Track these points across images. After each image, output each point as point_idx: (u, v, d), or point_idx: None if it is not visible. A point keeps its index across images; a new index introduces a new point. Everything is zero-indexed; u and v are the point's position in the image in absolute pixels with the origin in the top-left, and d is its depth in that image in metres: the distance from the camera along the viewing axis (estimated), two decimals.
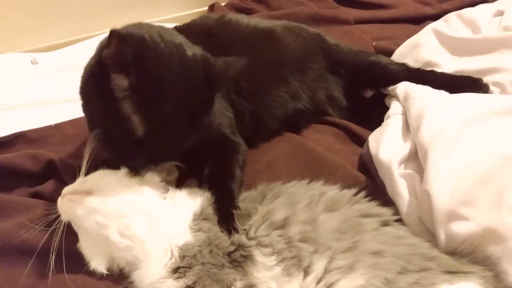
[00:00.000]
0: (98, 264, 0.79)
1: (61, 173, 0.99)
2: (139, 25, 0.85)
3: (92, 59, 0.84)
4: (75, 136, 1.15)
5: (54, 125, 1.23)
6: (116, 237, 0.77)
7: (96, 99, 0.81)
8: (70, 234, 0.82)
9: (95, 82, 0.80)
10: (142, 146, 0.80)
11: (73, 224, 0.82)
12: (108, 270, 0.79)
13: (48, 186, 0.99)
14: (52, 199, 0.91)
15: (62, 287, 0.80)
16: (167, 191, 0.85)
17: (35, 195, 0.99)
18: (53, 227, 0.80)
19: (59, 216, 0.81)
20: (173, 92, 0.78)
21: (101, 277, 0.80)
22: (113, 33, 0.71)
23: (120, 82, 0.75)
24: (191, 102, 0.81)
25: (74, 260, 0.81)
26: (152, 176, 0.87)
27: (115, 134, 0.81)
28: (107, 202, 0.79)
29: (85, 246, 0.81)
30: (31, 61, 1.60)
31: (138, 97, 0.76)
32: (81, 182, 0.85)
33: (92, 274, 0.80)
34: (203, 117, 0.86)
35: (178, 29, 1.13)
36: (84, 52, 0.89)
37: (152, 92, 0.77)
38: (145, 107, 0.77)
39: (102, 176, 0.85)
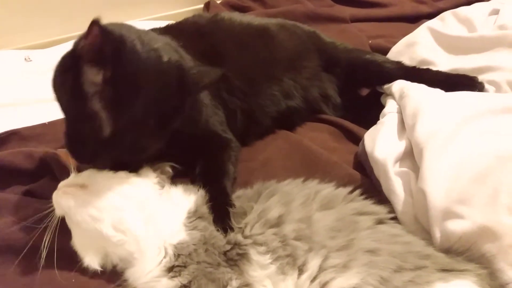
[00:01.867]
0: (91, 260, 0.78)
1: (55, 171, 0.98)
2: (120, 25, 0.84)
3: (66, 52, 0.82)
4: None
5: (48, 122, 1.23)
6: (109, 230, 0.76)
7: (64, 91, 0.78)
8: (63, 232, 0.81)
9: (66, 74, 0.77)
10: (106, 146, 0.77)
11: (67, 219, 0.81)
12: (101, 267, 0.78)
13: (41, 184, 0.98)
14: (45, 197, 0.90)
15: (55, 285, 0.79)
16: (162, 187, 0.85)
17: (29, 193, 0.98)
18: (45, 223, 0.80)
19: (52, 212, 0.81)
20: (145, 93, 0.77)
21: (94, 275, 0.80)
22: (95, 23, 0.68)
23: (93, 75, 0.73)
24: (161, 106, 0.80)
25: (67, 258, 0.80)
26: (147, 172, 0.86)
27: (80, 130, 0.78)
28: (101, 195, 0.78)
29: (79, 242, 0.80)
30: (25, 59, 1.59)
31: (110, 93, 0.74)
32: (76, 176, 0.84)
33: (85, 272, 0.80)
34: (171, 123, 0.84)
35: (169, 27, 1.13)
36: None
37: (124, 90, 0.75)
38: (116, 106, 0.75)
39: (97, 171, 0.84)
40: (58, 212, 0.80)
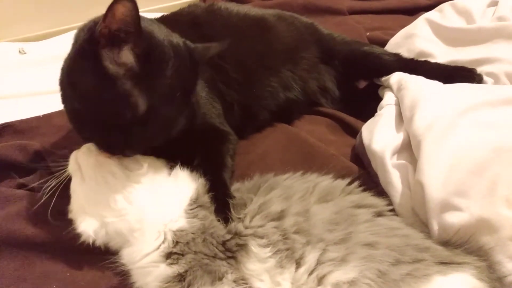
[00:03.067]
0: (87, 226, 0.77)
1: (49, 164, 0.97)
2: None
3: (72, 51, 0.79)
4: (64, 127, 1.12)
5: (43, 115, 1.21)
6: (117, 195, 0.76)
7: (85, 80, 0.75)
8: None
9: (84, 61, 0.75)
10: (141, 125, 0.76)
11: (73, 179, 0.80)
12: (93, 244, 0.77)
13: (35, 177, 0.97)
14: (39, 190, 0.89)
15: (50, 279, 0.79)
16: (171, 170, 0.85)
17: (22, 186, 0.97)
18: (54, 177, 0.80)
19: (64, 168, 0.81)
20: (169, 66, 0.77)
21: (89, 268, 0.79)
22: (119, 2, 0.68)
23: (121, 55, 0.72)
24: (182, 79, 0.80)
25: (61, 252, 0.79)
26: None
27: (110, 116, 0.75)
28: (119, 163, 0.80)
29: (78, 206, 0.79)
30: (19, 51, 1.57)
31: (139, 70, 0.73)
32: None
33: (79, 267, 0.79)
34: (191, 97, 0.85)
35: (164, 18, 1.11)
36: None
37: (153, 64, 0.75)
38: (146, 81, 0.74)
39: None
40: (72, 168, 0.80)
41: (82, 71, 0.76)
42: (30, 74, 1.44)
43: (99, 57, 0.73)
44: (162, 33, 0.80)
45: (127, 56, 0.73)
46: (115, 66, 0.73)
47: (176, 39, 0.83)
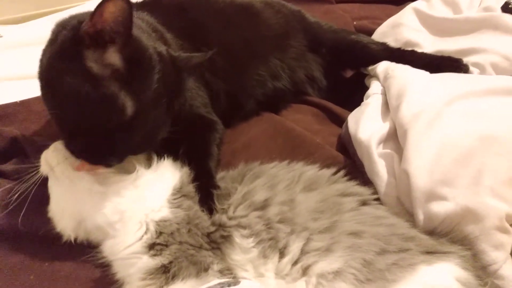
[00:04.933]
0: (65, 226, 0.75)
1: (26, 151, 0.94)
2: None
3: (52, 49, 0.74)
4: (42, 113, 1.09)
5: (20, 101, 1.17)
6: (92, 190, 0.74)
7: (67, 82, 0.69)
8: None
9: (66, 62, 0.70)
10: (126, 131, 0.72)
11: (50, 180, 0.78)
12: (75, 240, 0.76)
13: (11, 164, 0.94)
14: (16, 177, 0.86)
15: (27, 270, 0.76)
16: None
17: None
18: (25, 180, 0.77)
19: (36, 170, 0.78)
20: (155, 70, 0.74)
21: (69, 259, 0.77)
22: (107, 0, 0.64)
23: (107, 56, 0.69)
24: (167, 85, 0.77)
25: (40, 242, 0.77)
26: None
27: (93, 121, 0.70)
28: None
29: (56, 205, 0.77)
30: None
31: (126, 72, 0.70)
32: None
33: (58, 258, 0.77)
34: (175, 103, 0.82)
35: (147, 3, 1.07)
36: (50, 27, 0.83)
37: (140, 67, 0.72)
38: (134, 83, 0.71)
39: None
40: (44, 169, 0.77)
41: (64, 71, 0.70)
42: (7, 58, 1.39)
43: (82, 57, 0.69)
44: (148, 39, 0.78)
45: (113, 57, 0.69)
46: (100, 66, 0.69)
47: (160, 47, 0.80)
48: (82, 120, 0.70)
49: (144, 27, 0.84)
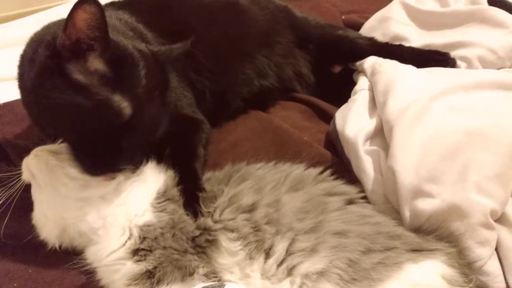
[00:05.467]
0: (49, 233, 0.75)
1: (10, 155, 0.93)
2: None
3: (31, 61, 0.72)
4: (26, 116, 1.07)
5: (3, 103, 1.15)
6: (73, 197, 0.73)
7: (59, 98, 0.67)
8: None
9: (50, 78, 0.68)
10: (129, 131, 0.71)
11: (33, 187, 0.77)
12: (60, 247, 0.75)
13: None
14: None
15: (11, 277, 0.76)
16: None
17: None
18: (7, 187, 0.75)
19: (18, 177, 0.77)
20: (141, 68, 0.73)
21: (53, 266, 0.76)
22: (80, 7, 0.63)
23: (90, 63, 0.68)
24: (156, 80, 0.76)
25: (24, 248, 0.76)
26: None
27: (94, 130, 0.69)
28: (72, 162, 0.75)
29: (39, 212, 0.76)
30: None
31: (113, 74, 0.69)
32: (51, 145, 0.80)
33: (42, 264, 0.76)
34: (168, 96, 0.81)
35: (129, 2, 1.05)
36: (35, 26, 0.81)
37: (125, 67, 0.71)
38: (123, 83, 0.70)
39: None
40: (26, 176, 0.76)
41: (51, 91, 0.68)
42: None
43: (66, 72, 0.67)
44: (125, 39, 0.76)
45: (96, 63, 0.68)
46: (86, 76, 0.68)
47: (139, 45, 0.79)
48: (83, 131, 0.70)
49: (119, 27, 0.83)
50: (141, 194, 0.75)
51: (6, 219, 0.77)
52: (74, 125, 0.70)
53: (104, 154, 0.72)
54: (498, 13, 1.17)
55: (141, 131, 0.73)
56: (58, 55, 0.68)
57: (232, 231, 0.71)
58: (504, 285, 0.71)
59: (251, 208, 0.73)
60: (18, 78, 0.80)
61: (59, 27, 0.70)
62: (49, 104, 0.69)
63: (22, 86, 0.78)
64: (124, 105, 0.69)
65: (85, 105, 0.67)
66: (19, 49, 0.84)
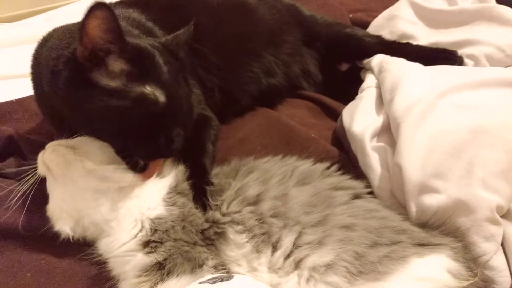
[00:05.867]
0: (63, 225, 0.76)
1: (23, 150, 0.95)
2: None
3: (56, 87, 0.74)
4: (38, 112, 1.09)
5: (16, 100, 1.17)
6: (89, 189, 0.75)
7: (96, 107, 0.70)
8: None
9: (83, 91, 0.71)
10: (170, 115, 0.74)
11: (48, 180, 0.78)
12: (72, 238, 0.77)
13: (8, 163, 0.94)
14: (12, 176, 0.87)
15: (24, 267, 0.77)
16: None
17: None
18: (24, 181, 0.77)
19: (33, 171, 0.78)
20: (158, 58, 0.75)
21: (66, 256, 0.78)
22: (98, 7, 0.64)
23: (113, 65, 0.70)
24: (174, 66, 0.78)
25: (37, 239, 0.78)
26: None
27: (139, 124, 0.72)
28: (90, 156, 0.77)
29: (54, 204, 0.78)
30: None
31: (137, 69, 0.71)
32: (66, 140, 0.82)
33: (55, 255, 0.78)
34: (187, 77, 0.84)
35: (137, 1, 1.07)
36: (46, 24, 0.83)
37: (146, 61, 0.74)
38: (150, 75, 0.73)
39: (89, 139, 0.81)
40: (41, 170, 0.78)
41: (84, 102, 0.71)
42: (2, 56, 1.39)
43: (93, 82, 0.70)
44: (132, 36, 0.79)
45: (118, 64, 0.71)
46: (113, 79, 0.70)
47: (147, 40, 0.81)
48: (127, 128, 0.72)
49: (125, 26, 0.84)
50: (155, 188, 0.76)
51: (24, 212, 0.79)
52: (117, 124, 0.72)
53: (156, 142, 0.74)
54: (506, 11, 1.17)
55: (180, 113, 0.76)
56: (81, 68, 0.70)
57: (238, 223, 0.72)
58: (510, 279, 0.71)
59: (256, 200, 0.74)
60: (32, 79, 0.81)
61: (71, 33, 0.74)
62: (90, 116, 0.73)
63: (38, 91, 0.80)
64: (158, 93, 0.72)
65: (123, 105, 0.70)
66: (31, 47, 0.86)
